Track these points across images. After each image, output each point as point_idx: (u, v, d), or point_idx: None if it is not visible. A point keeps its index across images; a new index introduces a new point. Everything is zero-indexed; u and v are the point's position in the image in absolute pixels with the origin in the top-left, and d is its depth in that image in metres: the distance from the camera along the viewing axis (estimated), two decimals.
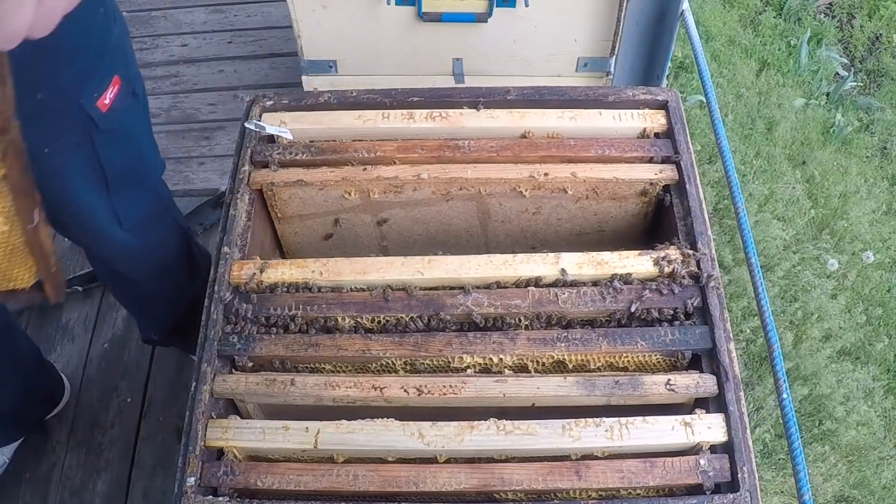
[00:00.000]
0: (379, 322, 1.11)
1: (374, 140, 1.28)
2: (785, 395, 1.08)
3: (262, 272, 1.15)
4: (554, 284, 1.13)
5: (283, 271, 1.15)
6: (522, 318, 1.11)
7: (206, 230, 2.26)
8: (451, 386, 1.03)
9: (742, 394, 1.03)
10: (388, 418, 1.01)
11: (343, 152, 1.26)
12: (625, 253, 1.14)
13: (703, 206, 1.21)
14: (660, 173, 1.24)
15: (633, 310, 1.10)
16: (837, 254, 2.44)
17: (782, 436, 2.04)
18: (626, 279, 1.13)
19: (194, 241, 1.74)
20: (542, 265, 1.14)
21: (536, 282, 1.13)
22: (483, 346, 1.07)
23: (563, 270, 1.13)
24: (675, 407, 1.06)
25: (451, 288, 1.14)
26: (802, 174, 2.66)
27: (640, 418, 1.00)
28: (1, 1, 0.74)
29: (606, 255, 1.14)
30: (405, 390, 1.03)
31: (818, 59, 3.00)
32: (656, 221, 1.33)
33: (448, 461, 1.00)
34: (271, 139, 1.30)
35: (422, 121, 1.28)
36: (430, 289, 1.14)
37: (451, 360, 1.08)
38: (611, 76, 1.84)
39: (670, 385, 1.03)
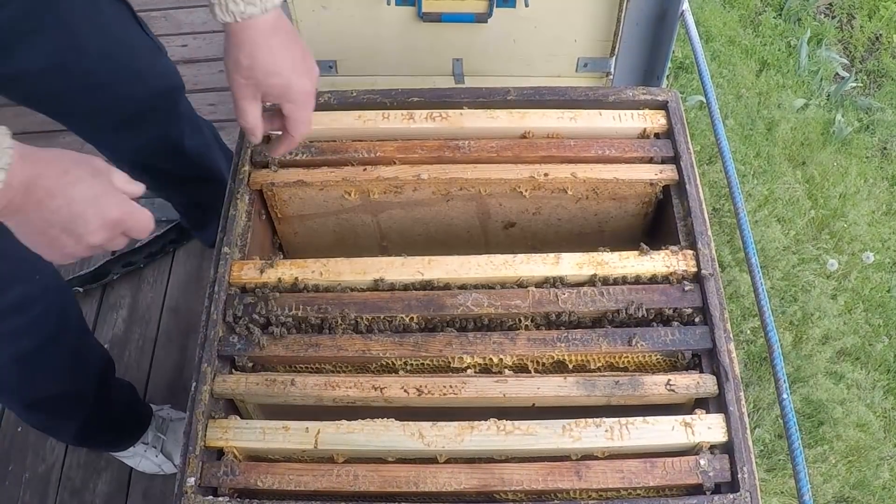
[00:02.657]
0: (379, 322, 1.11)
1: (374, 140, 1.28)
2: (785, 396, 1.08)
3: (262, 272, 1.15)
4: (554, 285, 1.13)
5: (283, 271, 1.15)
6: (522, 319, 1.11)
7: None
8: (451, 386, 1.03)
9: (742, 394, 1.03)
10: (388, 418, 1.01)
11: (343, 152, 1.26)
12: (625, 253, 1.15)
13: (703, 206, 1.21)
14: (660, 173, 1.24)
15: (632, 310, 1.10)
16: (837, 254, 2.44)
17: (782, 436, 2.04)
18: (626, 279, 1.13)
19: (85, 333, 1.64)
20: (542, 265, 1.14)
21: (537, 283, 1.13)
22: (483, 346, 1.07)
23: (563, 273, 1.13)
24: (676, 407, 1.06)
25: (451, 288, 1.14)
26: (802, 174, 2.66)
27: (641, 418, 1.01)
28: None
29: (606, 256, 1.14)
30: (405, 390, 1.03)
31: (818, 59, 3.00)
32: (656, 221, 1.33)
33: (448, 461, 1.00)
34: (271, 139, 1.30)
35: (422, 121, 1.28)
36: (431, 289, 1.14)
37: (451, 360, 1.08)
38: (611, 76, 1.84)
39: (670, 385, 1.03)
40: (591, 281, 1.13)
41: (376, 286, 1.14)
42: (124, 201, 0.95)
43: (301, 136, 1.11)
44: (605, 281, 1.13)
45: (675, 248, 1.16)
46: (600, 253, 1.15)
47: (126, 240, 0.99)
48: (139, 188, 1.00)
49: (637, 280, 1.13)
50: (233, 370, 1.10)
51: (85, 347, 1.63)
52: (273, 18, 1.03)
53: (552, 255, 1.14)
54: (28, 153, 0.87)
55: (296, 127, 1.09)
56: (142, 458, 1.84)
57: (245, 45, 1.02)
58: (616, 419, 1.00)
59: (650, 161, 1.26)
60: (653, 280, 1.13)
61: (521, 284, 1.13)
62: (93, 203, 0.91)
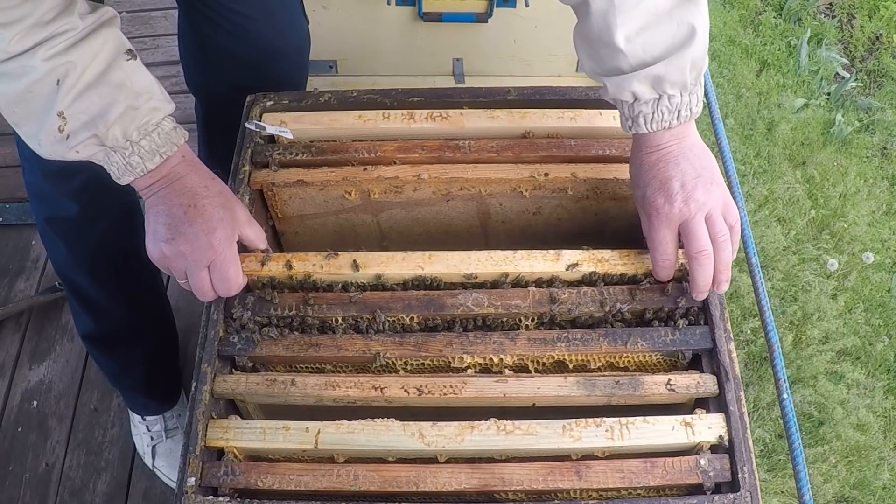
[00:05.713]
0: (379, 322, 1.11)
1: (375, 140, 1.28)
2: (785, 396, 1.08)
3: (263, 265, 1.14)
4: (552, 284, 1.13)
5: (284, 264, 1.14)
6: (523, 318, 1.11)
7: None
8: (451, 386, 1.03)
9: (742, 394, 1.03)
10: (388, 418, 1.01)
11: (343, 152, 1.26)
12: (625, 251, 1.15)
13: None
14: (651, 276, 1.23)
15: (633, 309, 1.10)
16: (837, 254, 2.44)
17: (782, 436, 2.04)
18: (626, 278, 1.13)
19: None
20: (542, 262, 1.13)
21: (537, 279, 1.13)
22: (483, 346, 1.07)
23: (562, 268, 1.13)
24: (676, 407, 1.06)
25: (451, 287, 1.13)
26: (802, 174, 2.66)
27: (641, 418, 1.00)
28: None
29: (606, 254, 1.14)
30: (405, 390, 1.03)
31: (818, 59, 3.00)
32: None
33: (448, 461, 1.00)
34: (271, 139, 1.30)
35: (422, 121, 1.28)
36: (431, 288, 1.14)
37: (451, 360, 1.08)
38: None
39: (670, 385, 1.03)
40: (591, 279, 1.13)
41: (377, 281, 1.13)
42: (226, 256, 1.05)
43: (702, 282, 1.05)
44: (606, 279, 1.13)
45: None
46: (600, 251, 1.14)
47: (184, 281, 1.07)
48: (257, 239, 1.12)
49: (637, 279, 1.13)
50: (233, 370, 1.10)
51: (148, 278, 1.69)
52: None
53: (552, 251, 1.14)
54: (190, 157, 1.05)
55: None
56: (146, 435, 1.86)
57: None
58: (616, 419, 1.00)
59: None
60: (651, 276, 1.13)
61: (520, 281, 1.13)
62: (200, 231, 1.02)
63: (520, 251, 1.15)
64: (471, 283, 1.14)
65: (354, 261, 1.14)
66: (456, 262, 1.14)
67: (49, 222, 1.47)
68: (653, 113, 1.01)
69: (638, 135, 1.05)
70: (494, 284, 1.14)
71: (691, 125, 1.05)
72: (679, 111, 1.01)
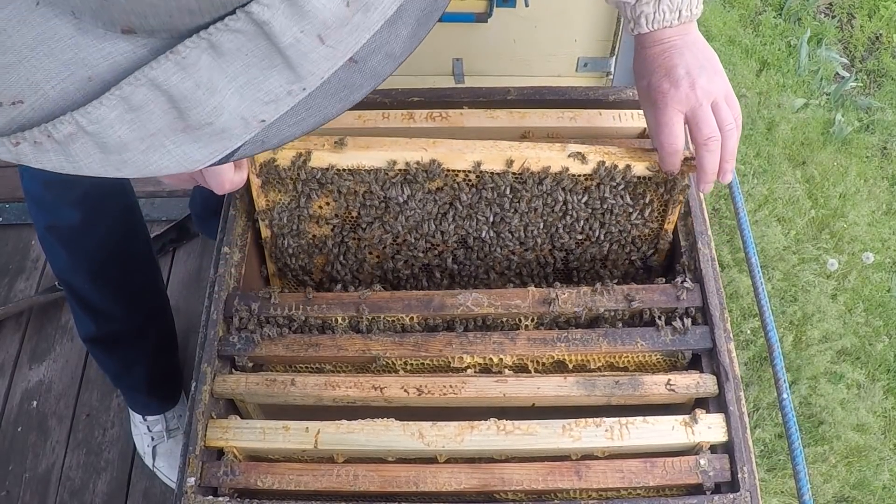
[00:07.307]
0: (379, 322, 1.11)
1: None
2: (785, 396, 1.08)
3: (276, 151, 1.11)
4: (559, 178, 1.12)
5: (292, 152, 1.12)
6: (522, 318, 1.11)
7: None
8: (451, 386, 1.03)
9: (742, 394, 1.03)
10: (388, 418, 1.01)
11: None
12: (631, 148, 1.14)
13: (703, 205, 1.22)
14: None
15: (632, 309, 1.10)
16: (837, 254, 2.44)
17: (782, 436, 2.04)
18: (630, 172, 1.12)
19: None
20: (547, 151, 1.12)
21: (543, 168, 1.11)
22: (483, 346, 1.07)
23: (569, 154, 1.11)
24: (675, 407, 1.06)
25: (454, 174, 1.10)
26: (802, 174, 2.66)
27: (641, 418, 1.01)
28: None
29: (613, 148, 1.14)
30: (405, 390, 1.03)
31: (818, 59, 2.99)
32: None
33: (448, 461, 1.00)
34: None
35: (422, 121, 1.28)
36: (432, 176, 1.12)
37: (451, 359, 1.08)
38: (611, 76, 1.84)
39: (670, 385, 1.03)
40: (598, 170, 1.11)
41: (390, 167, 1.12)
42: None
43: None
44: (611, 171, 1.11)
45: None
46: (606, 146, 1.14)
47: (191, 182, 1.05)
48: None
49: (645, 176, 1.12)
50: (233, 370, 1.10)
51: (149, 278, 1.70)
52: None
53: (559, 143, 1.13)
54: None
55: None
56: (146, 435, 1.87)
57: None
58: (616, 419, 1.00)
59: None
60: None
61: (526, 170, 1.11)
62: None
63: (525, 142, 1.13)
64: (477, 171, 1.12)
65: (343, 139, 1.11)
66: (461, 147, 1.12)
67: (50, 230, 1.47)
68: (654, 13, 1.02)
69: (641, 35, 1.06)
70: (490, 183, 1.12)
71: (693, 25, 1.06)
72: (680, 11, 1.02)
